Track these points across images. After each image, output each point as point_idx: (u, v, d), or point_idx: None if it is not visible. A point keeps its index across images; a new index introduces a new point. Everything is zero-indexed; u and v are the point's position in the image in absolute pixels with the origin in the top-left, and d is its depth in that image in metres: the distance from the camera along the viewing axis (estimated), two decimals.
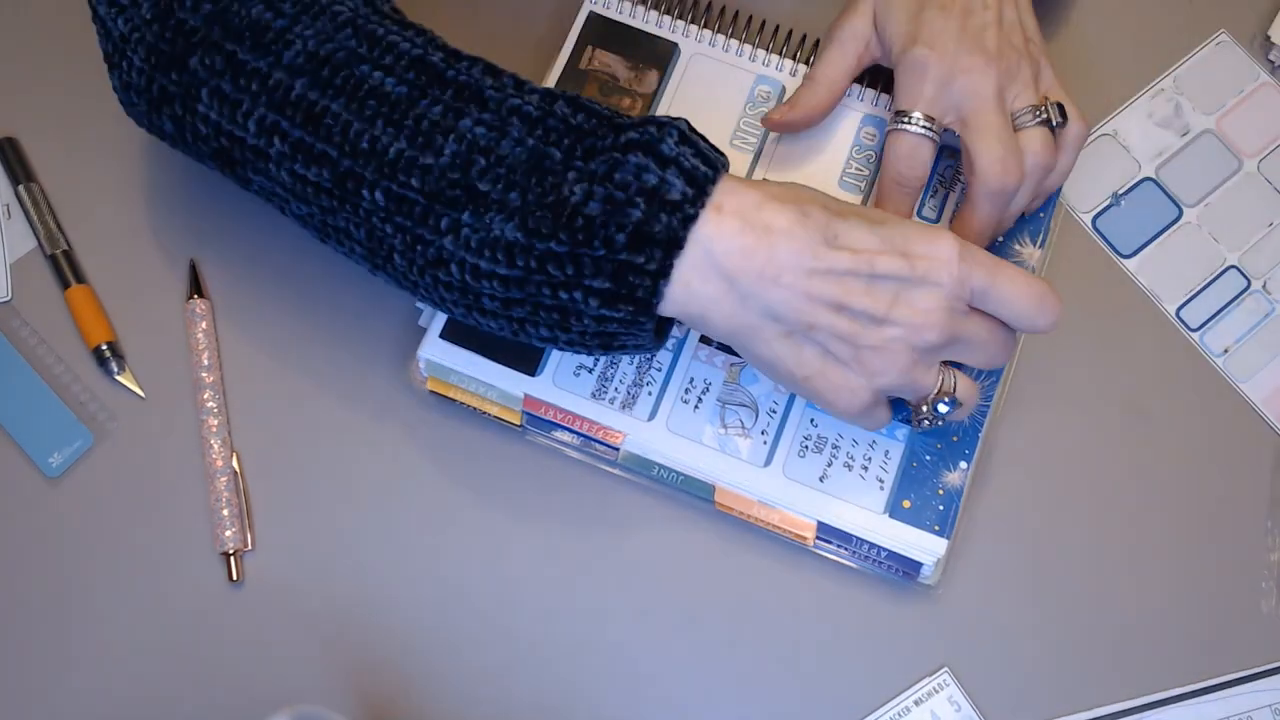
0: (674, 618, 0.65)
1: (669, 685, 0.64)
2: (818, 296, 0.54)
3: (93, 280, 0.70)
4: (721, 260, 0.54)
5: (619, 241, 0.53)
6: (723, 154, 0.56)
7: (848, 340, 0.55)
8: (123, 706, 0.64)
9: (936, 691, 0.64)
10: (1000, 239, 0.68)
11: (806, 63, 0.71)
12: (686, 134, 0.55)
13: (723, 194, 0.55)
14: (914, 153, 0.64)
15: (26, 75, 0.73)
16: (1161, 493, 0.68)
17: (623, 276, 0.53)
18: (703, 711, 0.64)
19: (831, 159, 0.69)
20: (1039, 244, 0.68)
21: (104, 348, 0.68)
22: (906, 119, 0.63)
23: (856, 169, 0.69)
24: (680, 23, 0.72)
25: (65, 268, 0.69)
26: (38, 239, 0.70)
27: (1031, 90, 0.64)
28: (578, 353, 0.59)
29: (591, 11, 0.72)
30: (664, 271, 0.53)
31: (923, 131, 0.63)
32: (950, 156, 0.69)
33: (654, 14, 0.72)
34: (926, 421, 0.59)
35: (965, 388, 0.59)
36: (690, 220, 0.53)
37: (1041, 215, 0.69)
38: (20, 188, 0.71)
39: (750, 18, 0.72)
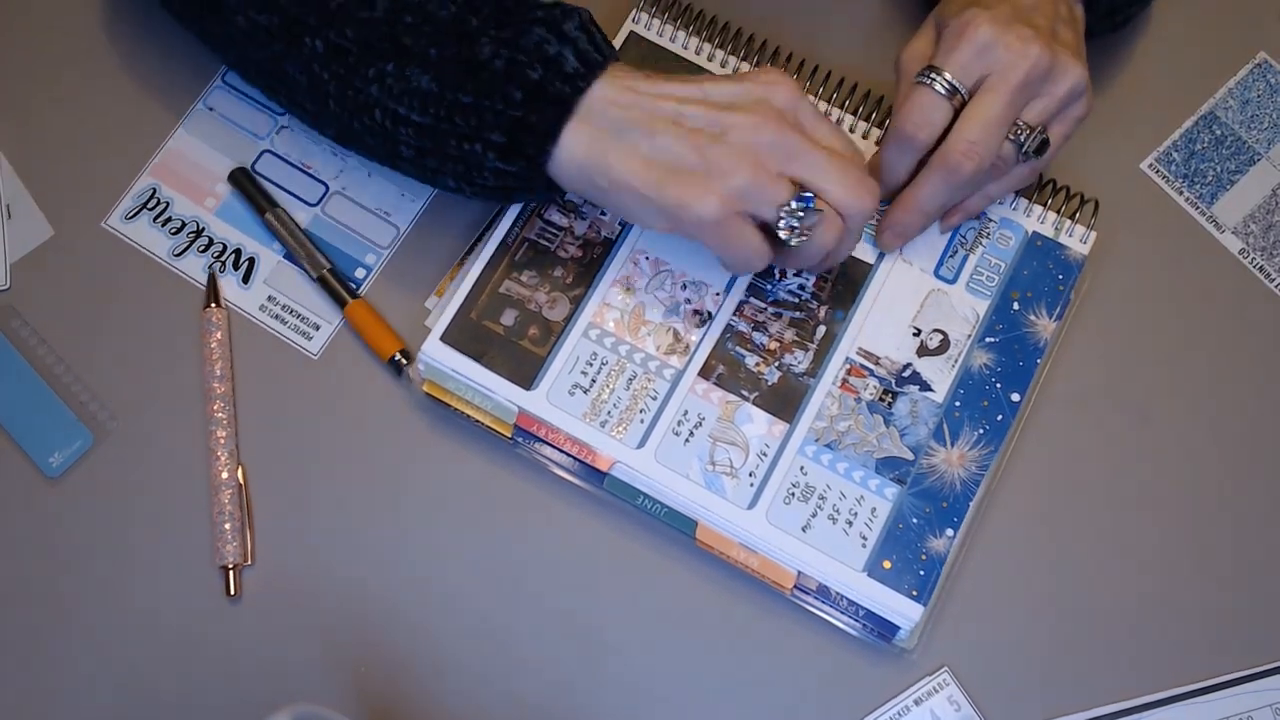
0: (665, 626, 0.66)
1: (667, 686, 0.65)
2: (658, 111, 0.60)
3: (104, 284, 0.70)
4: (599, 112, 0.60)
5: (516, 98, 0.59)
6: (614, 49, 0.62)
7: (690, 147, 0.59)
8: (119, 709, 0.63)
9: (936, 691, 0.64)
10: (1016, 306, 0.67)
11: (842, 107, 0.70)
12: (587, 23, 0.61)
13: (610, 78, 0.60)
14: (929, 112, 0.63)
15: (34, 76, 0.73)
16: (1161, 494, 0.68)
17: (516, 133, 0.59)
18: (703, 712, 0.64)
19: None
20: (1055, 317, 0.67)
21: (397, 357, 0.68)
22: (934, 74, 0.63)
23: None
24: (720, 52, 0.71)
25: (337, 286, 0.69)
26: (299, 264, 0.70)
27: (1050, 105, 0.63)
28: (487, 200, 0.67)
29: (632, 31, 0.72)
30: (553, 133, 0.59)
31: (944, 92, 0.63)
32: (975, 218, 0.69)
33: (694, 40, 0.71)
34: (790, 230, 0.60)
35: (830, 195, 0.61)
36: (579, 91, 0.60)
37: (1060, 289, 0.68)
38: (268, 215, 0.70)
39: (790, 54, 0.72)
